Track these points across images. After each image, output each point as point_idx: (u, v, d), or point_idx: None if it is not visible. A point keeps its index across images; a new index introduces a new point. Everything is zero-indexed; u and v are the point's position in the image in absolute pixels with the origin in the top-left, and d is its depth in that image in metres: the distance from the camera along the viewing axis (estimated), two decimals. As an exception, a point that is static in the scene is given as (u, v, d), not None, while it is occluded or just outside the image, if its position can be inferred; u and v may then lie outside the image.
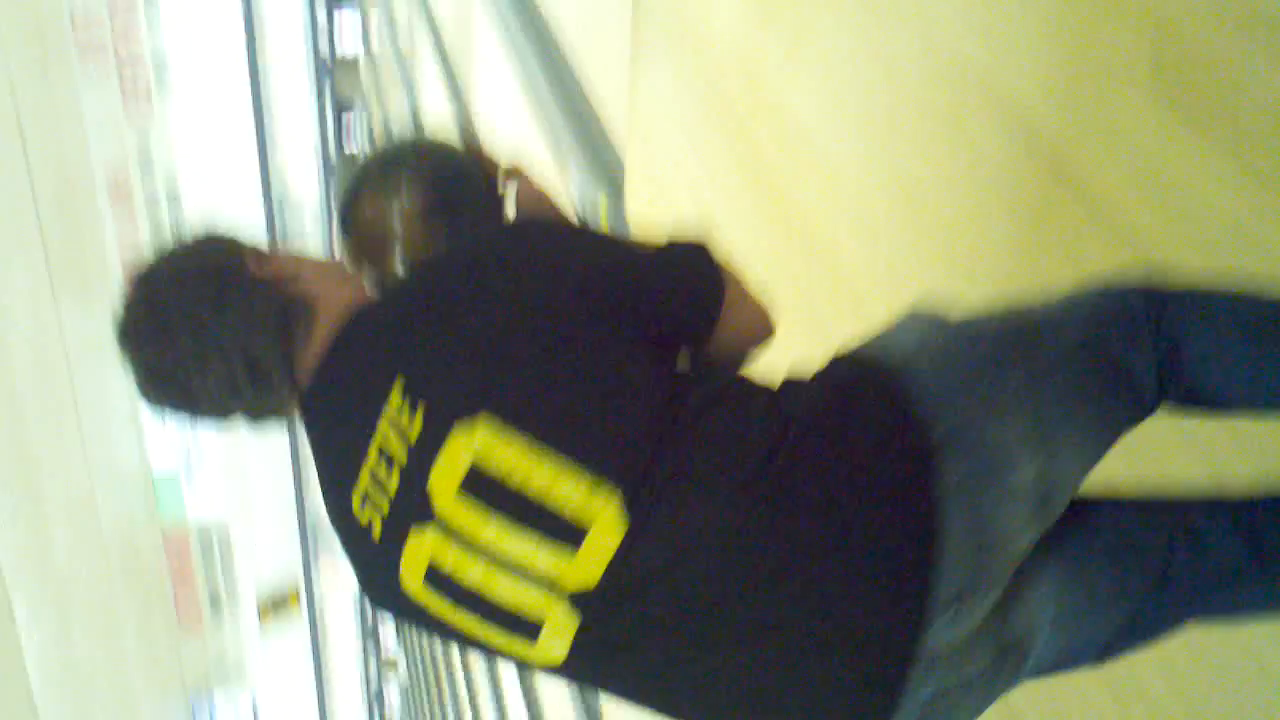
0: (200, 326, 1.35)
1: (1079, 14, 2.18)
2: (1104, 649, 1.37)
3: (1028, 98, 2.36)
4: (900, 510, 1.18)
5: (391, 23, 14.23)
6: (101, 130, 15.66)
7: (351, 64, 19.58)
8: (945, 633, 1.20)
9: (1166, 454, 1.80)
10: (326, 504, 1.37)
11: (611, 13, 5.05)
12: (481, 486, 1.21)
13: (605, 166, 5.28)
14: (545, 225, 1.47)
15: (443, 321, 1.25)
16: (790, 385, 1.33)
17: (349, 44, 19.34)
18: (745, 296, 1.40)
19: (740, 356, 1.42)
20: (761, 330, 1.41)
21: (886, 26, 2.87)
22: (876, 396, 1.24)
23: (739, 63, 3.76)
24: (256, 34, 16.48)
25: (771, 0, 3.54)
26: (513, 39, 7.16)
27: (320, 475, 1.38)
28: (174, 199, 16.66)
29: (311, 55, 17.29)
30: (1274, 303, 1.35)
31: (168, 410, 1.43)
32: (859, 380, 1.28)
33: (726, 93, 3.90)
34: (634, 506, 1.19)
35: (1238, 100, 1.80)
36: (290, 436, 19.80)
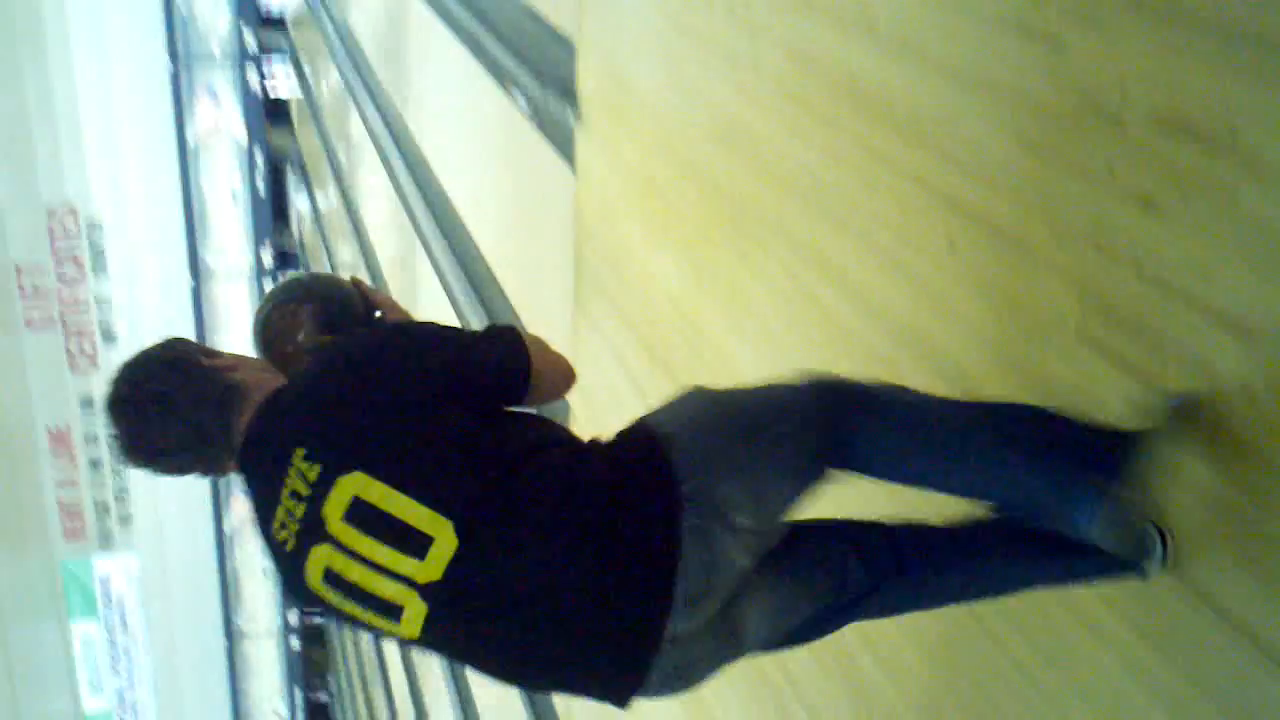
0: (164, 401, 1.86)
1: (1005, 275, 2.27)
2: (806, 635, 1.98)
3: (961, 349, 2.43)
4: (654, 543, 1.71)
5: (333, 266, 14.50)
6: (45, 387, 15.68)
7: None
8: (684, 624, 1.72)
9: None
10: (258, 530, 1.89)
11: (552, 272, 5.19)
12: (358, 515, 1.74)
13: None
14: (398, 328, 2.12)
15: (328, 403, 1.82)
16: (595, 443, 1.87)
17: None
18: (548, 360, 1.95)
19: (555, 399, 2.00)
20: (566, 382, 1.99)
21: (816, 288, 2.97)
22: (647, 458, 1.77)
23: (681, 322, 3.86)
24: (203, 292, 16.84)
25: (706, 264, 3.66)
26: (454, 288, 7.30)
27: (252, 510, 1.90)
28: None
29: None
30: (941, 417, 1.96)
31: (141, 467, 1.92)
32: (638, 445, 1.82)
33: (670, 349, 3.98)
34: (462, 530, 1.71)
35: (1159, 340, 1.88)
36: (229, 678, 19.09)
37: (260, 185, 16.79)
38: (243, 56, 16.15)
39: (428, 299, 8.65)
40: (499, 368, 1.89)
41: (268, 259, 17.66)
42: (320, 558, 1.78)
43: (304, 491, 1.77)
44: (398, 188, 9.47)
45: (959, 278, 2.43)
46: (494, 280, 6.70)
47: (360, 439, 1.77)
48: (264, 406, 1.87)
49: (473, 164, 7.54)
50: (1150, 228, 1.90)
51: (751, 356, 3.41)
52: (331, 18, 13.87)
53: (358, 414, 1.78)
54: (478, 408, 1.83)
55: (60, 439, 16.36)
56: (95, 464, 16.71)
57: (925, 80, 2.46)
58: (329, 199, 14.93)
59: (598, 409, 4.74)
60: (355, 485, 1.74)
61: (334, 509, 1.75)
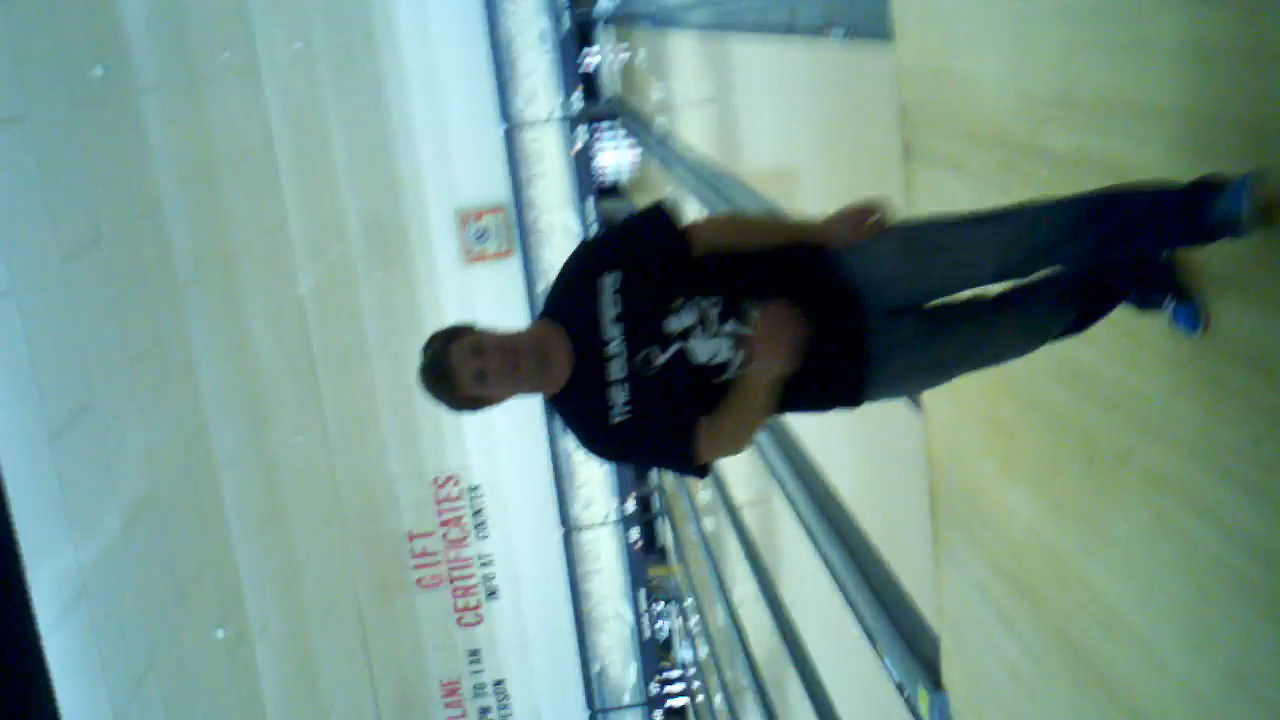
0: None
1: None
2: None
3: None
4: None
5: (700, 523, 14.91)
6: (436, 642, 16.76)
7: (661, 561, 20.58)
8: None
9: None
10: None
11: (911, 512, 5.30)
12: None
13: (920, 654, 5.35)
14: None
15: None
16: None
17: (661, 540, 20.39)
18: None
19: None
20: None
21: (1178, 517, 2.98)
22: None
23: (1042, 553, 3.89)
24: (574, 549, 17.73)
25: (1062, 498, 3.71)
26: (815, 531, 7.46)
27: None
28: (501, 690, 17.50)
29: (626, 558, 18.37)
30: None
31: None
32: None
33: (1033, 580, 4.00)
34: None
35: None
36: None
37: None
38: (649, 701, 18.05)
39: (788, 539, 8.84)
40: None
41: (630, 505, 18.52)
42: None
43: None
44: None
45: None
46: (853, 522, 6.84)
47: None
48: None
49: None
50: None
51: (1117, 585, 3.41)
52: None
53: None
54: None
55: (452, 690, 17.35)
56: (484, 712, 17.58)
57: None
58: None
59: (968, 644, 4.75)
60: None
61: None
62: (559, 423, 2.71)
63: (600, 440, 2.63)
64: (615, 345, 2.49)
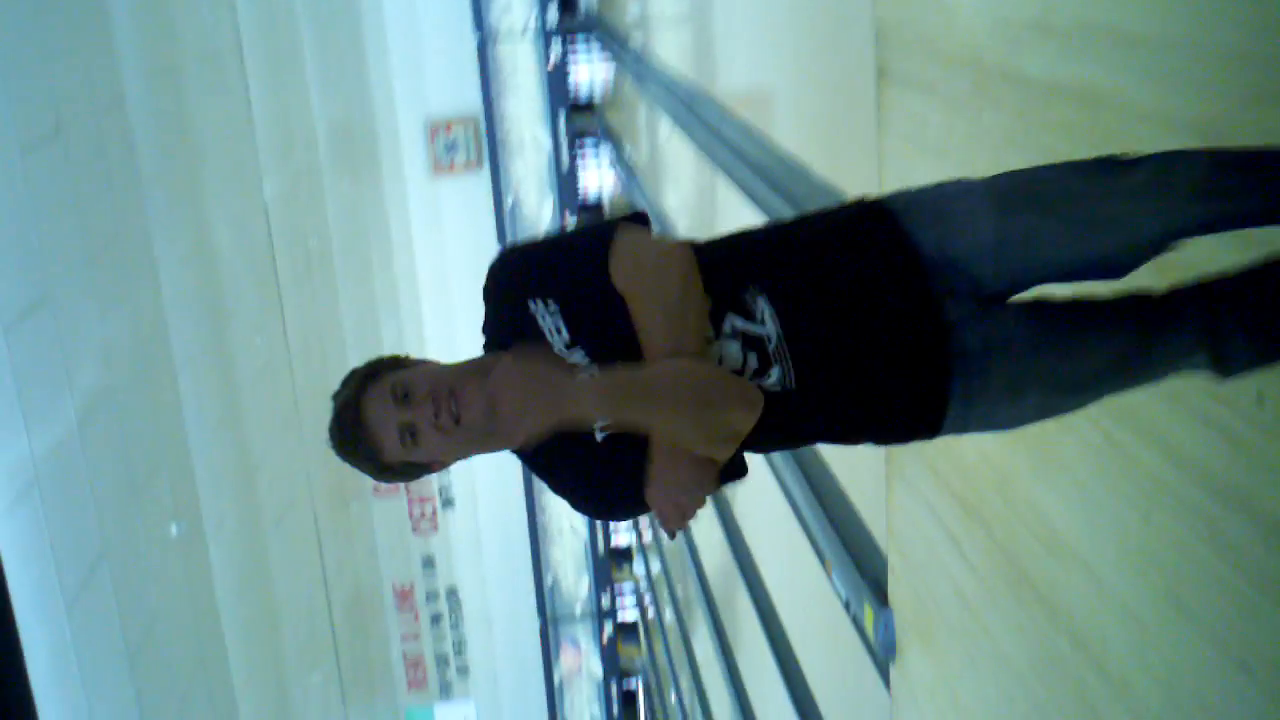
0: None
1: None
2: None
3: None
4: None
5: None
6: (390, 550, 16.89)
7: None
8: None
9: None
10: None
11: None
12: None
13: (868, 572, 5.43)
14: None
15: None
16: None
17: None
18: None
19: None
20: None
21: (1127, 443, 3.03)
22: None
23: (990, 472, 3.95)
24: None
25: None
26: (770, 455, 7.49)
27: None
28: (454, 598, 17.71)
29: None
30: None
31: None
32: None
33: (981, 502, 4.06)
34: None
35: None
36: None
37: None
38: (599, 613, 18.11)
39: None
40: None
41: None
42: None
43: None
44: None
45: (1273, 432, 2.46)
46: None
47: None
48: None
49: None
50: None
51: (1063, 508, 3.48)
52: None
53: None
54: None
55: (404, 596, 17.52)
56: (436, 619, 17.76)
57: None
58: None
59: (916, 563, 4.83)
60: None
61: None
62: (539, 483, 2.00)
63: (595, 491, 1.95)
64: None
